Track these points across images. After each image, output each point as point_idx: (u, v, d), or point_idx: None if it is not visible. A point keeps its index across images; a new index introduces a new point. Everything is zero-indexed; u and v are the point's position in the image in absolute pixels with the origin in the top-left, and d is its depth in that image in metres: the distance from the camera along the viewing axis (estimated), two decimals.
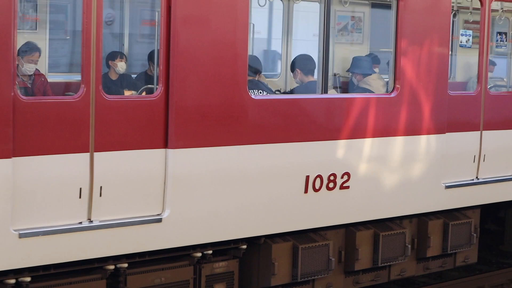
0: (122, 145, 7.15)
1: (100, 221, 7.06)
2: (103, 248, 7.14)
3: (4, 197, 6.52)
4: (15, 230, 6.61)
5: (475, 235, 10.29)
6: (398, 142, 9.05)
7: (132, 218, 7.23)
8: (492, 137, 10.09)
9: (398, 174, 9.10)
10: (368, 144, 8.80)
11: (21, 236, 6.64)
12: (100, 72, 7.03)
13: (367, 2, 11.18)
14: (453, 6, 10.02)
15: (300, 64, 9.07)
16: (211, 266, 8.09)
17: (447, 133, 9.50)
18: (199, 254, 7.90)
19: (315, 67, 8.93)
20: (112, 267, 7.34)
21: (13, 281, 6.81)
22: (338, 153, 8.58)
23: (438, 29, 9.27)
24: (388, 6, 9.28)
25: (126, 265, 7.42)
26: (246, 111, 7.83)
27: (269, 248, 8.41)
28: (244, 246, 8.23)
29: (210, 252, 7.97)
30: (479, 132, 9.95)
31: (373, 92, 9.20)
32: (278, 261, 8.45)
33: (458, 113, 9.68)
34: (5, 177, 6.50)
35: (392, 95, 9.00)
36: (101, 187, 7.02)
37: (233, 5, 7.63)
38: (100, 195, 7.03)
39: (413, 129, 9.15)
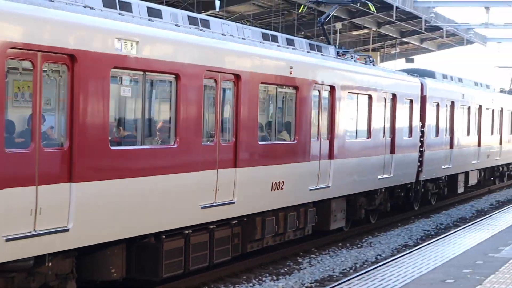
0: (228, 165, 14.83)
1: (217, 202, 14.68)
2: (217, 215, 14.71)
3: (210, 189, 13.96)
4: (200, 205, 14.05)
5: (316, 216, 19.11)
6: (298, 165, 17.55)
7: (224, 201, 14.90)
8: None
9: (298, 180, 17.56)
10: (286, 166, 17.17)
11: (202, 207, 14.09)
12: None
13: None
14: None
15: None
16: (235, 229, 15.87)
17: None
18: (234, 222, 15.67)
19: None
20: (214, 226, 14.86)
21: (187, 231, 14.12)
22: (280, 171, 16.85)
23: None
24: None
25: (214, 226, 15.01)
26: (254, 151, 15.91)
27: (254, 219, 16.39)
28: (245, 219, 16.12)
29: (237, 221, 15.77)
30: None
31: (285, 141, 17.57)
32: (258, 227, 16.48)
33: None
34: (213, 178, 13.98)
35: (295, 142, 17.49)
36: (219, 186, 14.65)
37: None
38: (218, 189, 14.65)
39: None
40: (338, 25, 42.77)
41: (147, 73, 12.72)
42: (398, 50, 56.19)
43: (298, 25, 41.88)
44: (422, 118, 25.71)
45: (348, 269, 17.77)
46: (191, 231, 14.21)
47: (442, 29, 44.46)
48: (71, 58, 11.12)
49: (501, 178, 39.19)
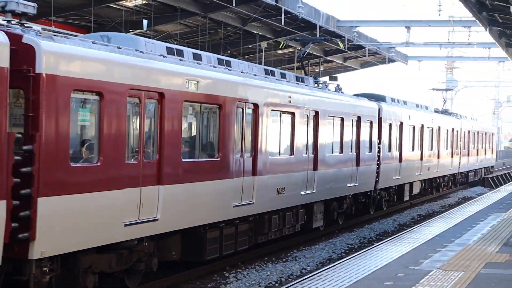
0: (249, 174, 19.14)
1: (243, 203, 18.96)
2: (242, 212, 18.98)
3: (238, 193, 18.27)
4: (232, 205, 18.32)
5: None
6: (294, 175, 21.96)
7: (247, 202, 19.18)
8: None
9: (294, 187, 21.95)
10: (286, 175, 21.55)
11: (234, 206, 18.37)
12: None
13: None
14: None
15: None
16: (250, 225, 20.18)
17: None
18: (251, 219, 19.96)
19: None
20: (238, 221, 19.14)
21: (221, 224, 18.38)
22: (283, 179, 21.23)
23: None
24: None
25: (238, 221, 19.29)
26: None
27: (263, 217, 20.70)
28: (258, 217, 20.44)
29: (252, 218, 20.08)
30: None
31: (287, 155, 21.97)
32: (266, 223, 20.80)
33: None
34: (240, 184, 18.28)
35: (292, 156, 21.89)
36: (244, 190, 18.95)
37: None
38: (243, 193, 18.95)
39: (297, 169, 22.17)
40: (264, 44, 43.13)
41: (202, 104, 17.02)
42: (322, 69, 56.41)
43: (224, 44, 42.30)
44: (379, 136, 30.42)
45: (273, 283, 18.27)
46: (224, 224, 18.46)
47: (365, 48, 45.49)
48: (160, 95, 15.32)
49: (438, 188, 44.24)
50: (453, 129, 45.10)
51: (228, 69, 18.86)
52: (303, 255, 22.01)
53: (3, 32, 11.50)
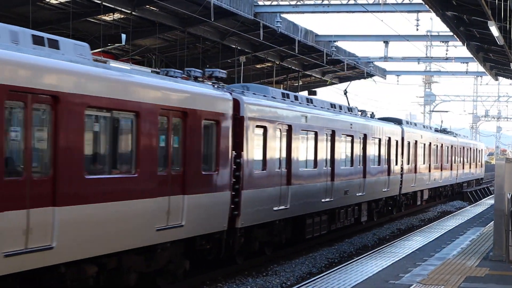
0: (328, 180, 27.37)
1: (327, 200, 27.14)
2: (327, 206, 27.14)
3: (324, 191, 26.45)
4: (322, 200, 26.50)
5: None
6: (353, 181, 30.16)
7: (328, 199, 27.39)
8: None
9: (353, 189, 30.16)
10: (349, 181, 29.75)
11: (322, 202, 26.55)
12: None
13: None
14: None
15: None
16: (328, 215, 28.33)
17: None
18: (328, 211, 28.09)
19: None
20: (322, 213, 27.32)
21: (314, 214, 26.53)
22: (347, 183, 29.43)
23: None
24: None
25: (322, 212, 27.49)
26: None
27: (335, 211, 28.85)
28: (331, 210, 28.59)
29: (329, 211, 28.25)
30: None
31: (349, 167, 30.15)
32: (336, 215, 28.96)
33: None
34: (325, 184, 26.49)
35: (352, 167, 30.11)
36: (327, 189, 27.15)
37: None
38: (326, 192, 27.15)
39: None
40: (242, 59, 43.19)
41: (308, 132, 25.22)
42: (300, 83, 57.37)
43: (203, 59, 42.35)
44: (402, 152, 38.74)
45: None
46: (315, 214, 26.61)
47: (343, 62, 46.36)
48: (289, 126, 23.52)
49: (440, 196, 52.62)
50: (452, 146, 53.53)
51: (314, 106, 27.14)
52: (283, 269, 21.98)
53: (229, 93, 19.64)
